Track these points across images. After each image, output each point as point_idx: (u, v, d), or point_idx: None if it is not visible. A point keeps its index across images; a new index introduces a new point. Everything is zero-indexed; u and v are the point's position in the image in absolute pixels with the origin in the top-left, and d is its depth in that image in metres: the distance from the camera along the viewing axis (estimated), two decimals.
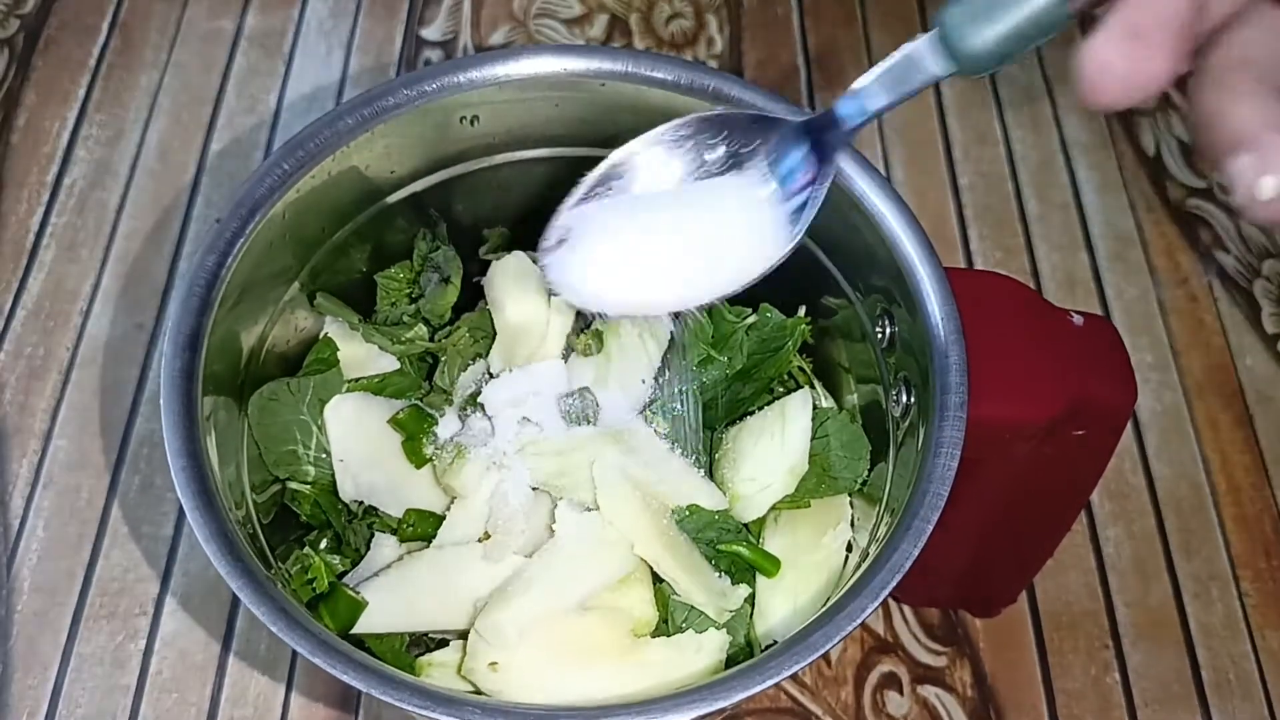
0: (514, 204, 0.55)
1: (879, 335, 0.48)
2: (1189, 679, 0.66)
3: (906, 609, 0.67)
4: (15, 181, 0.80)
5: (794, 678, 0.65)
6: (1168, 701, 0.65)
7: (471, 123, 0.50)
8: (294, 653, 0.64)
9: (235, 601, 0.66)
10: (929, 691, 0.65)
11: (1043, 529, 0.56)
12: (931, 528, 0.40)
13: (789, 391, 0.52)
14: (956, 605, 0.65)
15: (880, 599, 0.39)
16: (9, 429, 0.71)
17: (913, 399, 0.46)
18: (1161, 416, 0.74)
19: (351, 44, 0.88)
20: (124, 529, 0.68)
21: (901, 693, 0.65)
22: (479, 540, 0.49)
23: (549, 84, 0.49)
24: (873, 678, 0.65)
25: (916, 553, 0.39)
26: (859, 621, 0.39)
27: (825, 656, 0.65)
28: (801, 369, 0.53)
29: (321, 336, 0.52)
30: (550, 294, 0.53)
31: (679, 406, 0.51)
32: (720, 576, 0.49)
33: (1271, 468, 0.73)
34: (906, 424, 0.46)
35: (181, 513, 0.68)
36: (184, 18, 0.89)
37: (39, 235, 0.78)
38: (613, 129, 0.51)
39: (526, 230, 0.55)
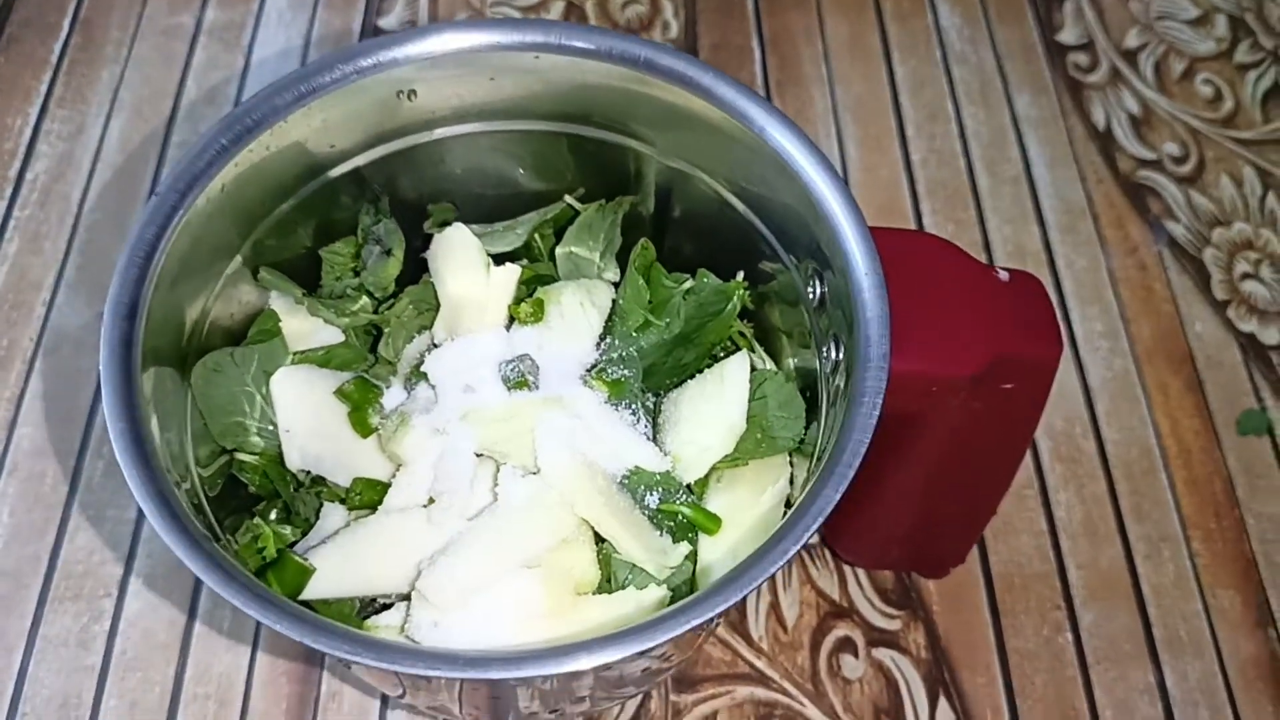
0: (456, 178, 0.56)
1: (810, 296, 0.49)
2: (1141, 637, 0.67)
3: (862, 576, 0.68)
4: None
5: (750, 643, 0.66)
6: (1120, 659, 0.66)
7: (409, 97, 0.51)
8: (256, 629, 0.65)
9: (198, 582, 0.67)
10: (884, 654, 0.66)
11: (983, 485, 0.57)
12: (853, 473, 0.40)
13: (728, 355, 0.53)
14: (908, 567, 0.66)
15: (801, 542, 0.40)
16: None
17: (841, 355, 0.47)
18: (1111, 383, 0.75)
19: (310, 35, 0.89)
20: (89, 513, 0.69)
21: (857, 656, 0.66)
22: (424, 506, 0.50)
23: (483, 58, 0.50)
24: (828, 642, 0.66)
25: (838, 498, 0.40)
26: (780, 564, 0.40)
27: (781, 622, 0.67)
28: (742, 333, 0.54)
29: (265, 309, 0.53)
30: (490, 265, 0.54)
31: (620, 370, 0.52)
32: (661, 535, 0.50)
33: (1221, 431, 0.74)
34: (836, 381, 0.47)
35: None
36: (144, 13, 0.90)
37: (2, 228, 0.79)
38: (552, 101, 0.53)
39: (470, 203, 0.56)
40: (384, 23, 0.89)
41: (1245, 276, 0.80)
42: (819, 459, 0.46)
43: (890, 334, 0.43)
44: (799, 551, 0.41)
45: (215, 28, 0.89)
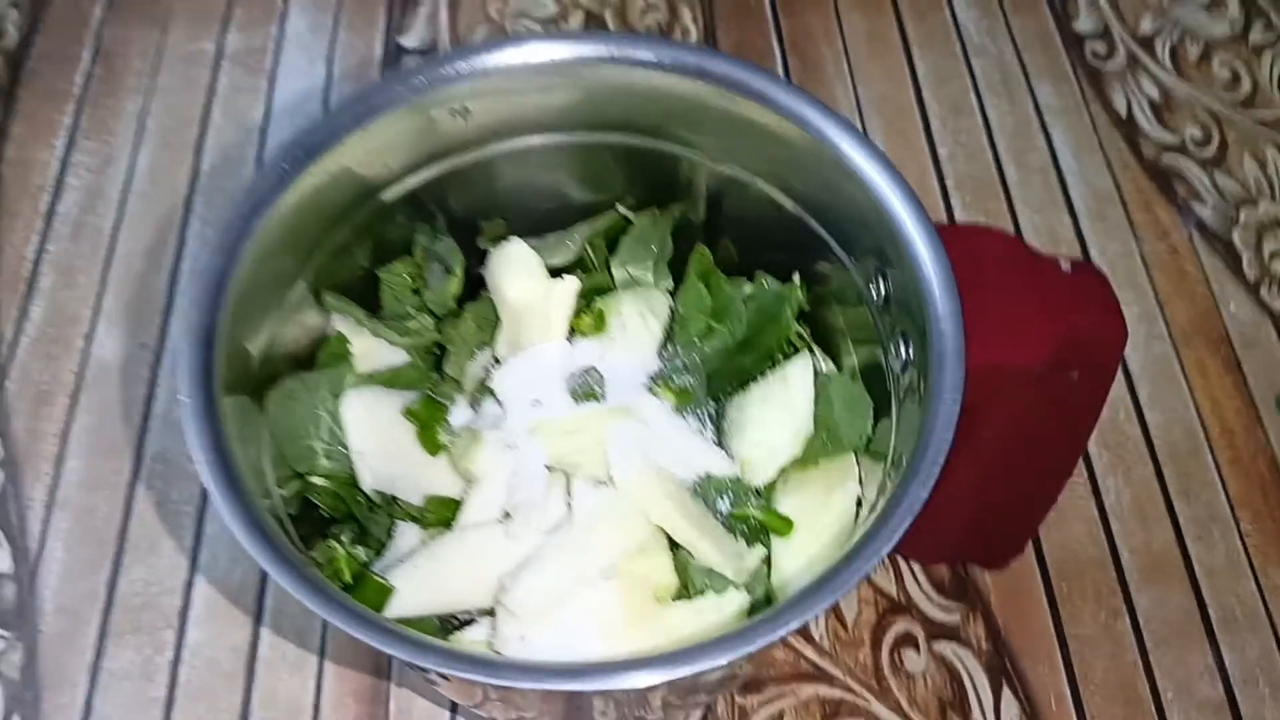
0: (507, 193, 0.56)
1: (874, 295, 0.50)
2: (1197, 617, 0.67)
3: (917, 570, 0.68)
4: (9, 213, 0.81)
5: (812, 642, 0.66)
6: (1177, 640, 0.67)
7: (463, 115, 0.52)
8: (321, 652, 0.65)
9: (260, 607, 0.67)
10: (945, 647, 0.66)
11: (1044, 476, 0.57)
12: (939, 471, 0.41)
13: (789, 359, 0.53)
14: (965, 560, 0.66)
15: (893, 542, 0.40)
16: (20, 455, 0.72)
17: (911, 353, 0.47)
18: (1151, 366, 0.76)
19: (332, 56, 0.89)
20: (143, 545, 0.69)
21: (918, 650, 0.66)
22: (499, 521, 0.50)
23: (535, 72, 0.50)
24: (889, 638, 0.66)
25: (926, 495, 0.41)
26: (874, 562, 0.40)
27: (841, 620, 0.67)
28: (800, 335, 0.55)
29: (332, 333, 0.53)
30: (550, 276, 0.54)
31: (685, 378, 0.52)
32: (736, 540, 0.50)
33: (1262, 409, 0.74)
34: (907, 379, 0.48)
35: (201, 524, 0.70)
36: (165, 42, 0.90)
37: (36, 264, 0.79)
38: (602, 111, 0.53)
39: (520, 217, 0.56)
40: (405, 41, 0.89)
41: (1274, 255, 0.80)
42: (897, 460, 0.46)
43: (964, 330, 0.43)
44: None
45: (236, 53, 0.89)
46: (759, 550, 0.50)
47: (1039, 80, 0.88)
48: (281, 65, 0.89)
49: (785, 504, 0.51)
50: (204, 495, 0.70)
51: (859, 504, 0.51)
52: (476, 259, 0.57)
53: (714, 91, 0.50)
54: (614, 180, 0.57)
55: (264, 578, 0.68)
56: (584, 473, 0.50)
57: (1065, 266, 0.49)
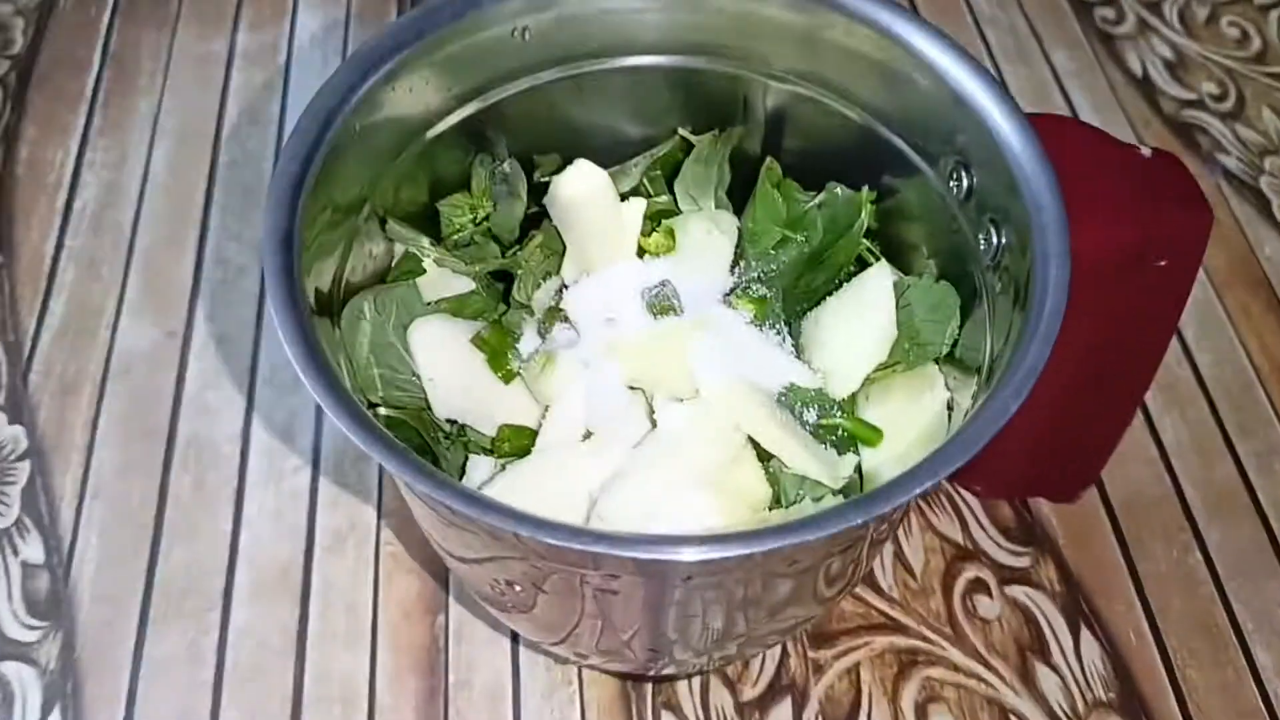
0: (561, 126, 0.55)
1: (954, 190, 0.49)
2: (1268, 548, 0.66)
3: (982, 516, 0.67)
4: (24, 210, 0.79)
5: (881, 593, 0.64)
6: (1252, 572, 0.65)
7: (523, 35, 0.51)
8: (374, 627, 0.63)
9: (307, 583, 0.65)
10: (1017, 591, 0.65)
11: (1127, 380, 0.56)
12: (1056, 333, 0.40)
13: (864, 270, 0.52)
14: (1034, 492, 0.64)
15: (1021, 399, 0.39)
16: (48, 446, 0.69)
17: (1004, 238, 0.46)
18: (1194, 310, 0.75)
19: (345, 50, 0.88)
20: (181, 529, 0.67)
21: (991, 596, 0.64)
22: (581, 441, 0.48)
23: None
24: (959, 585, 0.65)
25: (1047, 357, 0.39)
26: (1000, 425, 0.38)
27: (909, 569, 0.65)
28: (870, 251, 0.54)
29: (402, 254, 0.51)
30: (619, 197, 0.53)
31: (761, 289, 0.51)
32: (826, 449, 0.49)
33: None
34: (1000, 267, 0.46)
35: (240, 505, 0.67)
36: (174, 44, 0.89)
37: (55, 259, 0.77)
38: (663, 31, 0.52)
39: (575, 154, 0.55)
40: None
41: None
42: (994, 360, 0.45)
43: (1062, 199, 0.42)
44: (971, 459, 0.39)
45: (249, 51, 0.88)
46: (851, 458, 0.49)
47: (1053, 46, 0.89)
48: (294, 61, 0.88)
49: (872, 413, 0.50)
50: (241, 476, 0.68)
51: (950, 410, 0.49)
52: (533, 198, 0.56)
53: (783, 3, 0.50)
54: (670, 108, 0.56)
55: (309, 554, 0.65)
56: (665, 389, 0.49)
57: (1146, 152, 0.49)
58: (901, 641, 0.63)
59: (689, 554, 0.36)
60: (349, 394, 0.39)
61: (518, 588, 0.45)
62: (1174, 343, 0.74)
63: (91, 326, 0.74)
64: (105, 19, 0.90)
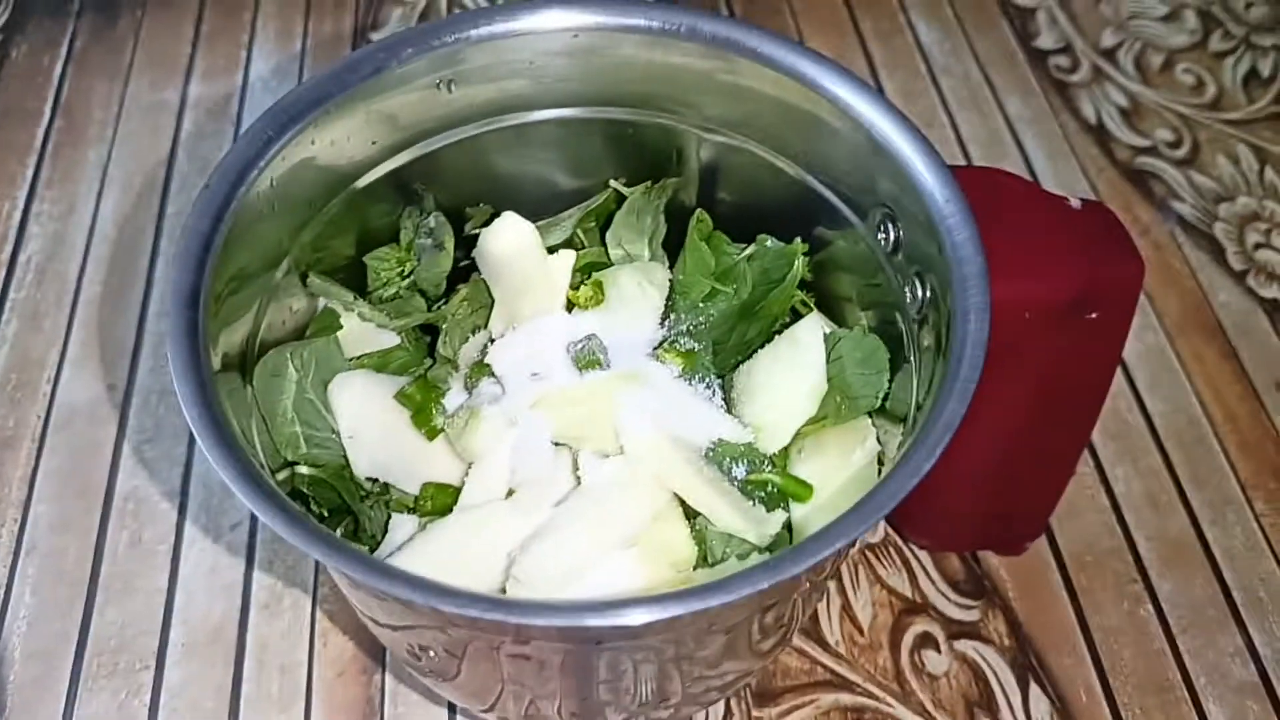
0: (494, 178, 0.55)
1: (883, 242, 0.48)
2: (1221, 602, 0.65)
3: (930, 568, 0.66)
4: None
5: (828, 649, 0.63)
6: (1205, 625, 0.64)
7: (448, 88, 0.50)
8: (308, 688, 0.61)
9: (241, 644, 0.63)
10: (966, 646, 0.63)
11: (1065, 434, 0.56)
12: (973, 389, 0.39)
13: (796, 322, 0.52)
14: (981, 545, 0.63)
15: (935, 456, 0.38)
16: None
17: (929, 290, 0.45)
18: (1147, 357, 0.75)
19: None
20: (116, 585, 0.65)
21: (939, 650, 0.63)
22: (503, 499, 0.47)
23: (523, 40, 0.49)
24: (908, 639, 0.64)
25: (964, 411, 0.38)
26: (916, 480, 0.37)
27: (857, 624, 0.64)
28: (804, 303, 0.53)
29: (321, 309, 0.50)
30: (547, 251, 0.52)
31: (690, 343, 0.50)
32: (754, 506, 0.48)
33: (1264, 394, 0.73)
34: (925, 320, 0.46)
35: (176, 563, 0.66)
36: (126, 93, 0.88)
37: None
38: (592, 83, 0.52)
39: (507, 205, 0.55)
40: None
41: (1258, 246, 0.80)
42: (921, 412, 0.44)
43: (984, 252, 0.42)
44: (891, 512, 0.38)
45: (201, 101, 0.88)
46: (779, 515, 0.48)
47: (1006, 94, 0.89)
48: (246, 109, 0.87)
49: (804, 468, 0.49)
50: (178, 533, 0.67)
51: (881, 462, 0.49)
52: (463, 250, 0.55)
53: (707, 53, 0.50)
54: (603, 160, 0.55)
55: (245, 613, 0.64)
56: (591, 445, 0.48)
57: (1075, 204, 0.48)
58: (847, 699, 0.62)
59: (596, 620, 0.35)
60: (247, 457, 0.38)
61: (433, 653, 0.43)
62: (1126, 390, 0.73)
63: (33, 379, 0.73)
64: (57, 69, 0.90)
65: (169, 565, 0.66)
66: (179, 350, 0.39)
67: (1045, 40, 0.93)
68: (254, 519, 0.68)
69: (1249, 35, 0.93)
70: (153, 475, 0.69)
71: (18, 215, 0.81)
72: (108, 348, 0.75)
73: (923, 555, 0.66)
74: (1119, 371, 0.74)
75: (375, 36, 0.92)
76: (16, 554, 0.66)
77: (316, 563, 0.66)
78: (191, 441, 0.70)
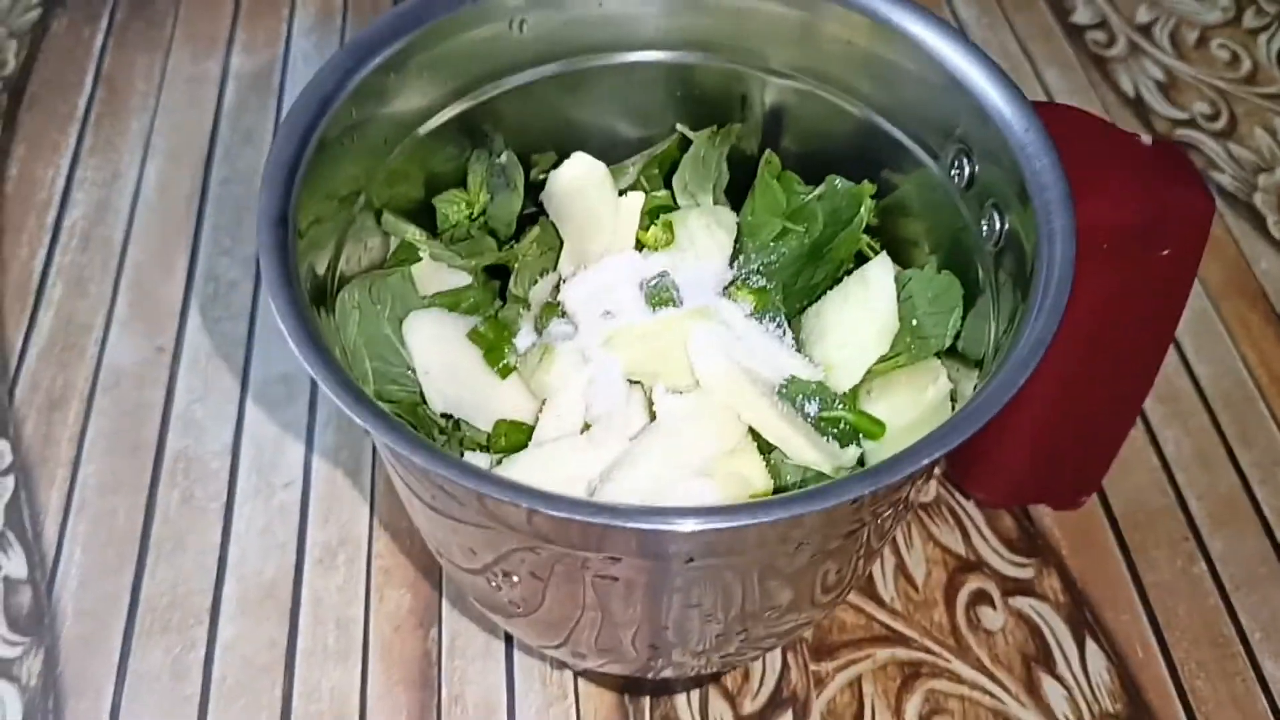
0: (558, 123, 0.55)
1: (955, 179, 0.48)
2: (1273, 559, 0.65)
3: (984, 527, 0.66)
4: (13, 227, 0.79)
5: (883, 605, 0.63)
6: (1258, 582, 0.64)
7: (520, 28, 0.50)
8: (365, 642, 0.62)
9: (296, 598, 0.63)
10: (1021, 603, 0.63)
11: (1127, 381, 0.56)
12: (1065, 304, 0.39)
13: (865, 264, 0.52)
14: (1037, 499, 0.64)
15: (1030, 370, 0.38)
16: (33, 461, 0.68)
17: (1006, 223, 0.45)
18: (1193, 322, 0.75)
19: None
20: (168, 544, 0.65)
21: (994, 607, 0.63)
22: (578, 434, 0.47)
23: None
24: (962, 596, 0.64)
25: (1056, 327, 0.38)
26: (1012, 393, 0.37)
27: (911, 581, 0.64)
28: (871, 247, 0.53)
29: (398, 244, 0.51)
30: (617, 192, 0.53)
31: (759, 280, 0.50)
32: (828, 441, 0.48)
33: None
34: (1002, 254, 0.46)
35: (229, 521, 0.66)
36: (167, 65, 0.89)
37: (44, 275, 0.77)
38: (660, 26, 0.52)
39: (574, 150, 0.55)
40: None
41: None
42: (999, 350, 0.44)
43: (1065, 176, 0.42)
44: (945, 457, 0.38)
45: (243, 73, 0.88)
46: (854, 450, 0.48)
47: (1046, 68, 0.89)
48: (289, 82, 0.88)
49: (875, 407, 0.49)
50: (230, 491, 0.67)
51: (954, 402, 0.49)
52: (530, 198, 0.55)
53: None
54: (667, 107, 0.55)
55: (299, 569, 0.64)
56: (664, 381, 0.48)
57: (1147, 140, 0.48)
58: (904, 653, 0.62)
59: (693, 524, 0.35)
60: (344, 371, 0.38)
61: (516, 579, 0.43)
62: (1173, 355, 0.73)
63: (79, 342, 0.73)
64: (98, 42, 0.90)
65: (221, 523, 0.66)
66: (272, 266, 0.39)
67: (1081, 16, 0.93)
68: (306, 477, 0.68)
69: None
70: (203, 435, 0.69)
71: (61, 182, 0.81)
72: (154, 311, 0.75)
73: (975, 514, 0.67)
74: None
75: None
76: (66, 513, 0.66)
77: (371, 518, 0.66)
78: (243, 400, 0.71)
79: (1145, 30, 0.92)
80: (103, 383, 0.72)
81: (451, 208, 0.52)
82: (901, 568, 0.65)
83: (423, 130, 0.51)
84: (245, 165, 0.82)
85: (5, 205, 0.80)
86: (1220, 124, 0.86)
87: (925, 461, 0.37)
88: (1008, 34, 0.92)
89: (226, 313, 0.74)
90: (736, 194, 0.56)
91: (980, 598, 0.64)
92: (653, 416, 0.47)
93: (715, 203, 0.55)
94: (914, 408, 0.49)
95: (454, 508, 0.41)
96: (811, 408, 0.49)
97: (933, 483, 0.67)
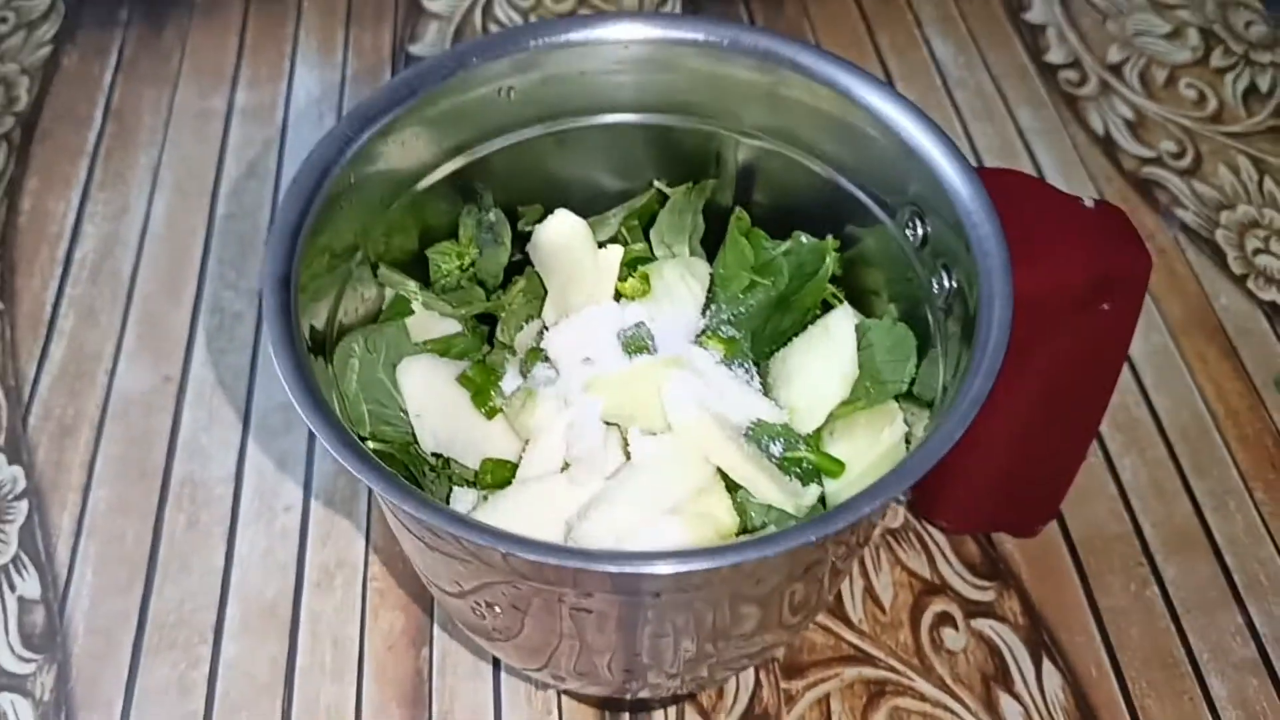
0: (543, 179, 0.58)
1: (910, 237, 0.52)
2: (1223, 584, 0.69)
3: (948, 552, 0.69)
4: (26, 259, 0.82)
5: (851, 625, 0.67)
6: (1207, 606, 0.68)
7: (508, 95, 0.54)
8: (360, 659, 0.65)
9: (296, 617, 0.67)
10: (983, 624, 0.67)
11: (1078, 420, 0.59)
12: (1000, 365, 0.43)
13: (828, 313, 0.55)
14: (997, 527, 0.67)
15: (965, 425, 0.41)
16: (45, 486, 0.72)
17: (954, 281, 0.49)
18: (1153, 355, 0.78)
19: (341, 109, 0.92)
20: (174, 566, 0.69)
21: (957, 628, 0.67)
22: (559, 472, 0.51)
23: (579, 51, 0.53)
24: (927, 618, 0.67)
25: (990, 387, 0.42)
26: (948, 447, 0.41)
27: (879, 603, 0.67)
28: (835, 296, 0.57)
29: (393, 297, 0.54)
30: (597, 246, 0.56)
31: (729, 330, 0.54)
32: (790, 480, 0.51)
33: (1263, 391, 0.77)
34: (951, 309, 0.50)
35: (232, 544, 0.69)
36: (175, 101, 0.92)
37: (55, 306, 0.80)
38: (641, 91, 0.56)
39: (556, 205, 0.58)
40: None
41: (1258, 251, 0.84)
42: (947, 396, 0.48)
43: (1006, 244, 0.46)
44: (910, 491, 0.42)
45: (247, 109, 0.92)
46: (814, 489, 0.51)
47: (1018, 106, 0.93)
48: (291, 117, 0.91)
49: (836, 448, 0.53)
50: (233, 516, 0.71)
51: (908, 442, 0.52)
52: (516, 247, 0.59)
53: (749, 64, 0.53)
54: (646, 162, 0.59)
55: (298, 591, 0.68)
56: (639, 424, 0.51)
57: (1088, 203, 0.52)
58: (870, 672, 0.65)
59: (661, 567, 0.38)
60: (341, 423, 0.42)
61: (498, 609, 0.47)
62: (1133, 386, 0.77)
63: (90, 371, 0.77)
64: (108, 77, 0.94)
65: (224, 546, 0.70)
66: (276, 326, 0.43)
67: (1055, 55, 0.97)
68: (305, 502, 0.71)
69: (1248, 52, 0.97)
70: (208, 461, 0.73)
71: (72, 216, 0.85)
72: (162, 341, 0.78)
73: (941, 540, 0.70)
74: (1126, 369, 0.77)
75: (413, 49, 0.96)
76: (78, 536, 0.70)
77: (367, 542, 0.69)
78: (245, 429, 0.74)
79: (1116, 70, 0.96)
80: (112, 411, 0.75)
81: (444, 259, 0.56)
82: (870, 590, 0.68)
83: (418, 188, 0.55)
84: (250, 200, 0.86)
85: (19, 238, 0.83)
86: (1185, 162, 0.89)
87: (871, 508, 0.40)
88: (983, 72, 0.95)
89: (230, 344, 0.78)
90: (713, 243, 0.59)
91: (943, 619, 0.67)
92: (628, 457, 0.51)
93: (691, 253, 0.58)
94: (872, 448, 0.52)
95: (439, 544, 0.45)
96: (776, 448, 0.52)
97: (901, 511, 0.71)
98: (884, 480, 0.41)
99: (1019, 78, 0.95)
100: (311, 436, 0.74)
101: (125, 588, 0.68)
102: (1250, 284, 0.82)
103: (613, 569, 0.38)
